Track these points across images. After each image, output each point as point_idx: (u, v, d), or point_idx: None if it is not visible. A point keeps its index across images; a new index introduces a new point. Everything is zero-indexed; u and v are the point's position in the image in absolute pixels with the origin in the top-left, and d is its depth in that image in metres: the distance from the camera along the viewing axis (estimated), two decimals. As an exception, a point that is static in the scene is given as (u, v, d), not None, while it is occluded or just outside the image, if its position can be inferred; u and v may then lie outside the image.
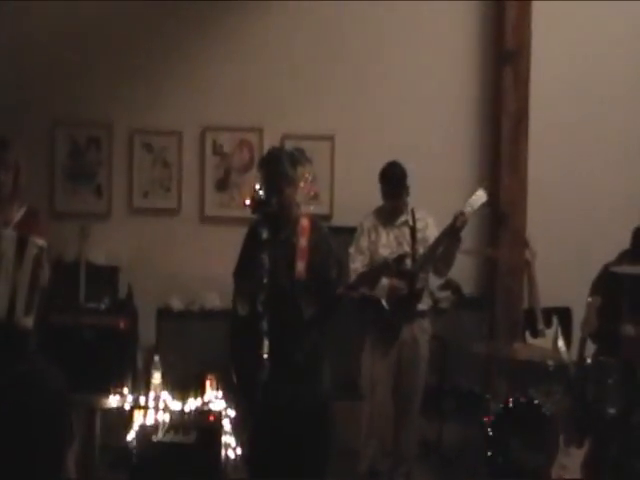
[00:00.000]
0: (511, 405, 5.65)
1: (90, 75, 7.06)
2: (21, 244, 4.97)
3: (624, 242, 5.85)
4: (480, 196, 5.73)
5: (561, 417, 5.54)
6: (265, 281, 4.68)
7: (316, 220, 5.28)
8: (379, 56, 7.10)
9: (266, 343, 4.60)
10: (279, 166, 4.98)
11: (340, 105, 7.08)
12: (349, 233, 6.04)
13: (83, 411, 5.47)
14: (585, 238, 6.74)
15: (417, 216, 5.88)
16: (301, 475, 4.63)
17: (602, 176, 7.05)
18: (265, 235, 4.75)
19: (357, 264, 5.76)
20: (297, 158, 5.16)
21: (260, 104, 7.09)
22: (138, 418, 5.39)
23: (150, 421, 5.35)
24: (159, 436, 5.29)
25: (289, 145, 6.58)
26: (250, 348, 4.69)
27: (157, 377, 5.61)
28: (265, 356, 4.59)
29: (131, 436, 5.32)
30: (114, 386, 5.52)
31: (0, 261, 4.97)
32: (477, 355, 6.23)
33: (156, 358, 5.76)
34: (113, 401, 5.48)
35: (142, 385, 5.65)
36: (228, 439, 5.37)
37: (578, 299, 5.95)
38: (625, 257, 5.77)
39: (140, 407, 5.43)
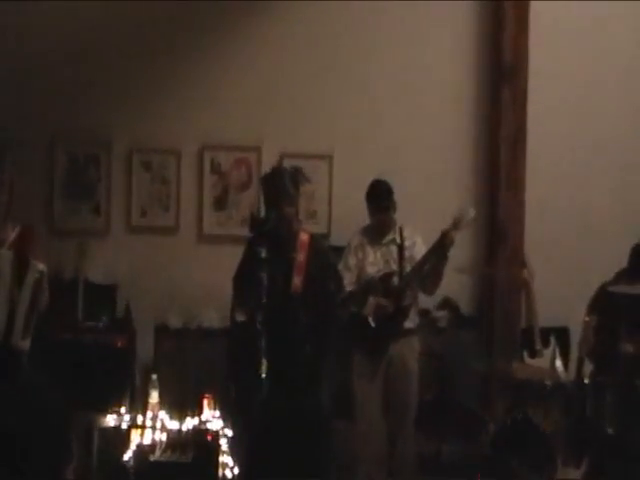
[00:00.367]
0: (509, 424, 5.66)
1: (89, 93, 7.04)
2: (22, 266, 5.06)
3: (622, 261, 5.84)
4: (467, 213, 5.74)
5: (559, 436, 5.58)
6: (264, 300, 4.68)
7: (316, 236, 5.34)
8: (377, 76, 7.11)
9: (264, 362, 4.60)
10: (280, 184, 5.04)
11: (339, 125, 7.10)
12: (347, 252, 6.11)
13: (81, 429, 5.43)
14: (583, 257, 6.76)
15: (405, 234, 5.95)
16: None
17: (601, 195, 7.08)
18: (264, 254, 4.75)
19: (345, 282, 5.71)
20: (298, 176, 5.20)
21: (258, 123, 7.10)
22: (135, 437, 5.38)
23: (147, 440, 5.36)
24: (156, 455, 5.29)
25: (287, 164, 6.50)
26: (248, 366, 4.70)
27: (154, 396, 5.59)
28: (263, 375, 4.59)
29: (128, 455, 5.30)
30: (112, 405, 5.54)
31: (-1, 281, 5.05)
32: (475, 373, 6.33)
33: (154, 377, 5.73)
34: (110, 420, 5.47)
35: (140, 404, 5.67)
36: (225, 459, 5.35)
37: (576, 319, 5.97)
38: (622, 277, 5.76)
39: (137, 426, 5.43)
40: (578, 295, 5.98)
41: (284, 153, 6.99)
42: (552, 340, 5.98)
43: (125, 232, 7.14)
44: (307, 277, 5.02)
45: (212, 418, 5.49)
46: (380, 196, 5.93)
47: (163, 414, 5.46)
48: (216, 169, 7.16)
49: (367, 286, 5.85)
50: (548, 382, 5.75)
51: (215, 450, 5.32)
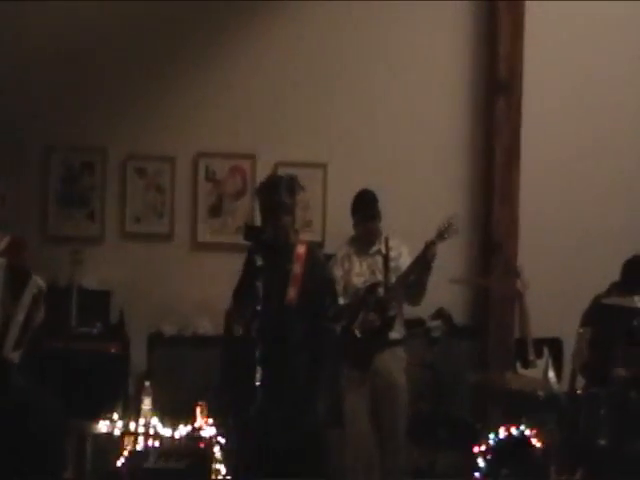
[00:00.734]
0: (503, 434, 5.64)
1: (84, 100, 7.05)
2: (20, 279, 5.04)
3: (614, 274, 5.93)
4: (450, 225, 5.73)
5: (553, 447, 5.59)
6: (259, 308, 4.66)
7: (312, 247, 5.30)
8: (372, 87, 7.13)
9: (259, 371, 4.58)
10: (277, 194, 5.00)
11: (333, 134, 7.11)
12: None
13: (74, 436, 5.46)
14: (576, 269, 6.80)
15: (391, 244, 5.96)
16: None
17: (594, 208, 7.11)
18: (260, 262, 4.73)
19: None
20: (295, 186, 5.17)
21: (253, 131, 7.12)
22: (128, 444, 5.37)
23: (140, 447, 5.35)
24: (149, 462, 5.28)
25: (282, 172, 6.56)
26: (243, 375, 4.72)
27: (147, 403, 5.59)
28: (258, 384, 4.57)
29: (121, 462, 5.28)
30: (105, 411, 5.53)
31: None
32: (469, 384, 6.34)
33: (147, 384, 5.72)
34: (103, 427, 5.47)
35: (133, 411, 5.64)
36: (218, 466, 5.33)
37: (569, 330, 6.08)
38: (615, 289, 5.87)
39: (130, 433, 5.41)
40: (571, 306, 6.07)
41: (279, 161, 7.01)
42: (545, 351, 6.00)
43: (119, 239, 7.14)
44: (302, 289, 4.99)
45: (205, 425, 5.47)
46: (367, 205, 5.96)
47: (156, 421, 5.46)
48: (211, 177, 7.17)
49: (359, 300, 5.85)
50: (541, 393, 5.78)
51: (208, 457, 5.31)
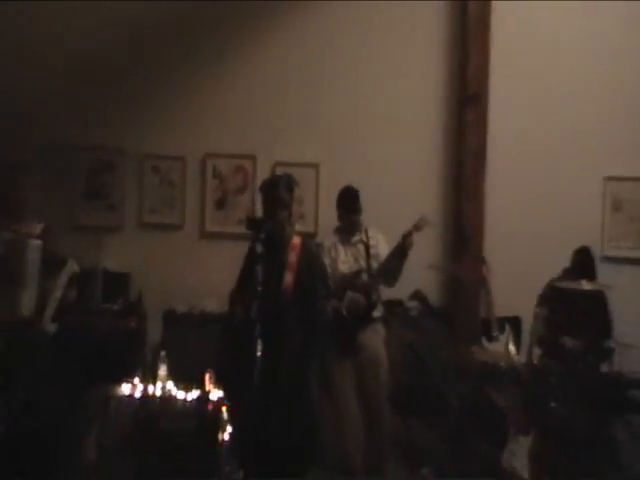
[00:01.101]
0: (470, 401, 5.73)
1: (106, 106, 7.08)
2: (59, 262, 5.19)
3: (565, 262, 6.11)
4: (425, 219, 5.82)
5: (512, 410, 5.61)
6: (259, 289, 4.76)
7: (307, 240, 5.42)
8: (358, 98, 7.18)
9: (260, 345, 4.70)
10: (275, 191, 5.14)
11: (324, 139, 7.17)
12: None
13: (99, 398, 5.34)
14: (533, 258, 6.75)
15: (370, 234, 6.04)
16: (289, 458, 4.78)
17: (549, 206, 7.08)
18: (260, 250, 4.83)
19: None
20: (292, 184, 5.29)
21: (254, 135, 7.15)
22: (146, 405, 5.30)
23: (157, 408, 5.29)
24: (165, 420, 5.22)
25: (279, 171, 6.71)
26: (243, 350, 4.85)
27: (163, 369, 5.45)
28: (258, 355, 4.70)
29: (140, 420, 5.26)
30: (126, 377, 5.38)
31: (27, 266, 5.19)
32: (441, 356, 6.25)
33: (162, 353, 5.56)
34: (125, 390, 5.32)
35: (150, 376, 5.46)
36: (224, 424, 5.21)
37: (527, 309, 6.07)
38: (567, 274, 6.00)
39: (148, 395, 5.32)
40: (529, 289, 6.09)
41: (277, 162, 7.06)
42: (506, 328, 6.05)
43: (137, 228, 7.20)
44: (297, 275, 5.12)
45: (213, 390, 5.30)
46: (350, 200, 6.02)
47: (171, 385, 5.34)
48: (217, 174, 7.23)
49: (344, 282, 5.92)
50: (503, 364, 5.80)
51: (215, 417, 5.12)
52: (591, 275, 5.96)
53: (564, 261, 6.12)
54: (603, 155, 7.19)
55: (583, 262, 6.03)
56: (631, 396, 5.70)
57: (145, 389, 5.36)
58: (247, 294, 4.97)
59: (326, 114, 7.22)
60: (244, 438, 4.89)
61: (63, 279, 5.21)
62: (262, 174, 6.82)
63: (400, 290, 6.41)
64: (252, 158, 7.20)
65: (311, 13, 7.21)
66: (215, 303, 6.68)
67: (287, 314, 5.05)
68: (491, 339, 6.07)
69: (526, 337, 6.18)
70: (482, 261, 6.43)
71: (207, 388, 5.38)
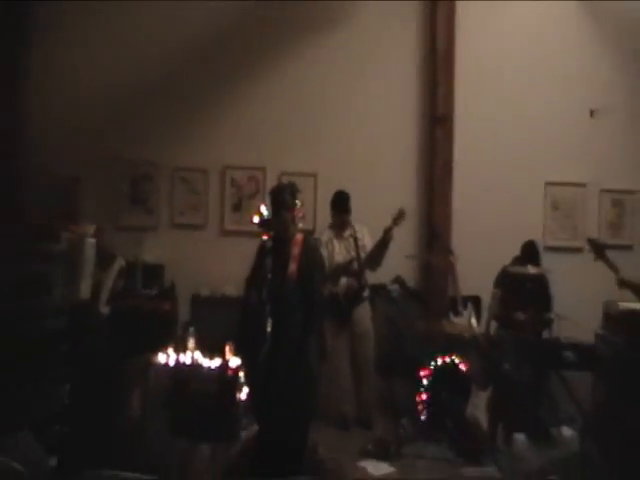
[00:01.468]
0: (440, 363, 5.81)
1: (144, 128, 7.08)
2: (110, 258, 5.26)
3: (515, 251, 6.14)
4: (402, 211, 5.82)
5: (473, 371, 5.71)
6: (269, 277, 4.80)
7: (307, 236, 5.31)
8: (349, 121, 7.20)
9: (270, 322, 4.75)
10: (281, 196, 5.07)
11: (321, 152, 7.19)
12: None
13: (140, 366, 5.31)
14: (491, 248, 6.67)
15: (357, 229, 6.02)
16: (294, 416, 4.70)
17: (505, 207, 7.11)
18: (269, 245, 4.85)
19: None
20: (295, 191, 5.20)
21: (264, 150, 7.18)
22: (178, 371, 5.21)
23: (186, 373, 5.17)
24: (193, 384, 5.07)
25: (285, 180, 6.56)
26: (256, 326, 4.83)
27: (191, 342, 5.35)
28: (269, 330, 4.75)
29: (173, 384, 5.08)
30: (162, 348, 5.26)
31: (85, 261, 5.28)
32: (417, 330, 6.33)
33: (191, 329, 5.54)
34: (162, 358, 5.21)
35: (181, 348, 5.34)
36: (241, 387, 5.03)
37: (486, 290, 6.17)
38: (516, 261, 6.02)
39: (179, 363, 5.22)
40: (487, 274, 6.13)
41: (282, 172, 7.08)
42: (469, 305, 6.10)
43: (169, 228, 7.22)
44: (299, 265, 5.01)
45: (231, 358, 5.08)
46: (341, 202, 6.04)
47: (198, 355, 5.21)
48: (234, 183, 7.24)
49: (339, 270, 5.94)
50: (466, 334, 5.91)
51: (234, 381, 5.06)
52: (536, 262, 5.97)
53: (514, 251, 6.16)
54: (544, 165, 7.22)
55: (530, 252, 6.04)
56: (565, 356, 5.78)
57: (177, 358, 5.33)
58: (259, 281, 4.94)
59: (323, 134, 7.23)
60: (258, 397, 4.85)
61: (113, 272, 5.32)
62: (271, 182, 6.80)
63: (383, 275, 6.46)
64: (262, 169, 7.22)
65: (309, 55, 7.21)
66: (233, 288, 6.68)
67: (291, 296, 4.95)
68: (457, 314, 6.09)
69: (485, 313, 6.23)
70: (450, 251, 6.46)
71: (227, 357, 5.20)
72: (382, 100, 7.24)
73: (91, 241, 5.26)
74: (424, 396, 5.79)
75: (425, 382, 5.81)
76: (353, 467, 4.98)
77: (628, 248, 7.26)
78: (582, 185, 7.30)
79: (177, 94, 7.17)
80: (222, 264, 6.92)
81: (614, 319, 5.49)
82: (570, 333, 6.13)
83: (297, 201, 5.34)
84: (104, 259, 5.30)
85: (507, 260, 6.10)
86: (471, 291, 6.42)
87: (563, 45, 7.28)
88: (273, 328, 4.75)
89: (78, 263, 5.21)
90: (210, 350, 5.40)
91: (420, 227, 7.20)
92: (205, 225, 7.27)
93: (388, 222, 5.90)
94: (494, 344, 5.81)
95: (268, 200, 5.29)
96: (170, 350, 5.43)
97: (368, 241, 6.03)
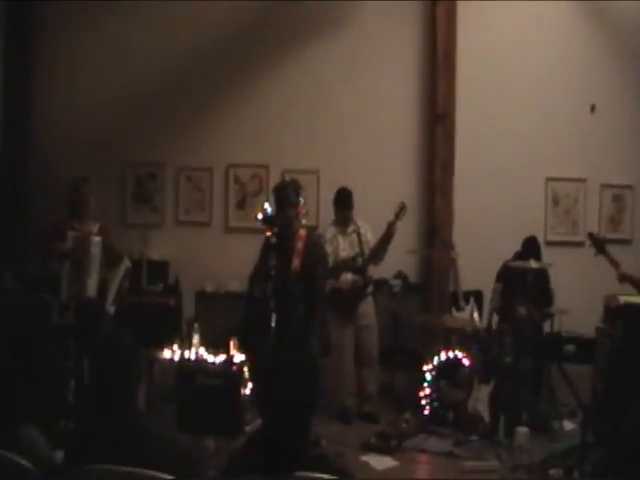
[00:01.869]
0: (442, 357, 5.76)
1: (149, 130, 7.11)
2: (117, 259, 5.28)
3: (517, 246, 6.10)
4: (402, 208, 5.79)
5: (475, 365, 5.68)
6: (273, 273, 4.83)
7: (311, 232, 5.39)
8: (350, 119, 7.16)
9: (273, 316, 4.79)
10: (284, 193, 5.13)
11: (323, 150, 7.15)
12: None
13: (146, 361, 5.27)
14: (492, 243, 6.68)
15: (359, 224, 6.00)
16: (297, 408, 4.78)
17: (504, 202, 7.08)
18: (273, 240, 4.88)
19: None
20: (298, 188, 5.25)
21: (267, 149, 7.16)
22: (183, 366, 5.26)
23: (191, 368, 5.19)
24: (198, 379, 5.13)
25: (288, 177, 6.54)
26: (261, 321, 4.88)
27: (196, 338, 5.55)
28: (272, 324, 4.77)
29: (178, 379, 5.20)
30: (167, 344, 5.44)
31: (91, 258, 5.29)
32: (419, 324, 6.36)
33: (195, 325, 5.71)
34: (166, 354, 5.39)
35: (186, 343, 5.54)
36: (246, 382, 5.14)
37: (487, 285, 6.15)
38: (517, 256, 5.99)
39: (184, 359, 5.33)
40: (489, 268, 6.13)
41: (285, 169, 7.03)
42: (471, 299, 6.06)
43: (174, 225, 7.22)
44: (303, 260, 5.10)
45: (236, 354, 5.26)
46: (344, 199, 6.02)
47: (202, 350, 5.39)
48: (237, 181, 7.22)
49: (338, 265, 5.90)
50: (468, 328, 5.90)
51: (238, 376, 5.15)
52: (537, 257, 5.95)
53: (515, 246, 6.12)
54: (544, 161, 7.19)
55: (531, 247, 6.00)
56: (566, 350, 5.78)
57: (182, 353, 5.42)
58: (263, 276, 4.98)
59: (325, 132, 7.20)
60: (261, 390, 4.81)
61: (120, 273, 5.33)
62: (274, 180, 6.77)
63: (385, 271, 6.47)
64: (266, 167, 7.20)
65: (311, 55, 7.18)
66: (237, 284, 6.67)
67: (294, 290, 5.01)
68: (459, 309, 6.07)
69: (487, 307, 6.20)
70: (451, 247, 6.43)
71: (231, 352, 5.30)
72: (383, 98, 7.21)
73: (97, 239, 5.27)
74: (427, 390, 5.76)
75: (428, 376, 5.78)
76: (355, 461, 4.94)
77: (628, 242, 7.24)
78: (582, 180, 7.27)
79: (181, 94, 7.19)
80: (226, 261, 6.90)
81: (615, 313, 5.48)
82: (571, 327, 6.18)
83: (300, 198, 5.40)
84: (111, 259, 5.29)
85: (508, 255, 6.07)
86: (473, 286, 6.37)
87: (563, 42, 7.23)
88: (277, 322, 4.78)
89: (84, 261, 5.20)
90: (214, 346, 5.47)
91: (421, 223, 7.15)
92: (209, 222, 7.26)
93: (389, 218, 5.88)
94: (496, 338, 5.78)
95: (272, 197, 5.31)
96: (175, 346, 5.56)
97: (371, 237, 6.02)
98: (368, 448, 5.24)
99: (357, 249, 5.97)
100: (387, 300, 6.57)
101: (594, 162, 7.24)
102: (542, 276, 5.98)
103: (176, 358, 5.46)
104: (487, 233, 6.95)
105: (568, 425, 5.65)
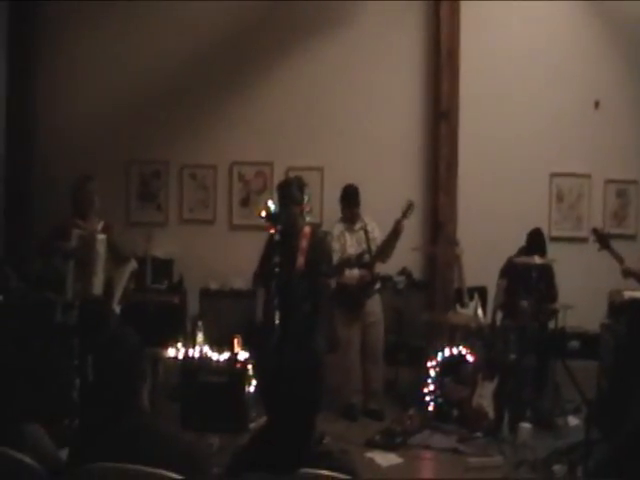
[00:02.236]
0: (446, 353, 5.74)
1: (153, 129, 7.12)
2: (125, 260, 5.27)
3: (521, 241, 6.06)
4: (410, 205, 5.78)
5: (479, 361, 5.65)
6: (277, 270, 4.82)
7: (315, 229, 5.37)
8: (355, 117, 7.16)
9: (277, 313, 4.78)
10: (289, 190, 5.11)
11: (327, 147, 7.15)
12: (333, 235, 6.04)
13: (150, 360, 5.41)
14: (496, 239, 6.63)
15: (366, 221, 5.96)
16: (301, 405, 4.78)
17: (508, 198, 7.08)
18: (277, 238, 4.86)
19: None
20: (303, 185, 5.23)
21: (271, 146, 7.18)
22: (187, 364, 5.38)
23: (196, 366, 5.35)
24: (202, 377, 5.29)
25: (292, 175, 6.59)
26: (265, 318, 4.90)
27: (200, 336, 5.61)
28: (277, 322, 4.77)
29: (183, 377, 5.34)
30: (171, 342, 5.49)
31: (96, 256, 5.28)
32: (423, 321, 6.36)
33: (199, 323, 5.77)
34: (171, 352, 5.45)
35: (190, 341, 5.60)
36: (250, 380, 5.32)
37: (491, 281, 6.15)
38: (522, 252, 5.96)
39: (189, 356, 5.41)
40: (493, 264, 6.10)
41: (289, 167, 7.06)
42: (475, 296, 6.01)
43: (179, 223, 7.23)
44: (307, 258, 5.08)
45: (240, 351, 5.41)
46: (350, 195, 5.98)
47: (207, 348, 5.44)
48: (242, 179, 7.23)
49: (342, 262, 5.87)
50: (472, 325, 5.86)
51: (243, 374, 5.28)
52: (542, 250, 5.91)
53: (520, 242, 6.08)
54: (549, 156, 7.18)
55: (536, 242, 5.96)
56: (570, 345, 5.75)
57: (186, 351, 5.46)
58: (267, 274, 4.97)
59: (328, 129, 7.20)
60: (266, 387, 4.85)
61: (126, 273, 5.31)
62: (278, 177, 6.80)
63: (390, 267, 6.43)
64: (270, 164, 7.20)
65: (315, 52, 7.19)
66: (242, 282, 6.66)
67: (299, 288, 5.00)
68: (463, 305, 6.04)
69: (491, 303, 6.20)
70: (455, 243, 6.40)
71: (235, 350, 5.40)
72: (387, 96, 7.21)
73: (102, 237, 5.25)
74: (431, 387, 5.74)
75: (432, 372, 5.75)
76: (360, 457, 4.90)
77: (633, 238, 7.24)
78: (587, 176, 7.26)
79: (185, 92, 7.20)
80: (230, 258, 6.91)
81: (619, 308, 5.48)
82: (575, 322, 6.18)
83: (305, 195, 5.38)
84: (117, 258, 5.29)
85: (512, 251, 6.04)
86: (477, 282, 6.33)
87: (567, 40, 7.23)
88: (281, 320, 4.76)
89: (90, 259, 5.20)
90: (219, 343, 5.52)
91: (425, 220, 7.14)
92: (214, 220, 7.27)
93: (393, 215, 5.85)
94: (500, 334, 5.76)
95: (276, 195, 5.29)
96: (179, 344, 5.55)
97: (378, 234, 5.99)
98: (373, 445, 5.21)
99: (364, 246, 5.94)
100: (391, 297, 6.55)
101: (598, 158, 7.23)
102: (546, 272, 5.94)
103: (180, 356, 5.46)
104: (491, 230, 6.94)
105: (572, 421, 5.63)
